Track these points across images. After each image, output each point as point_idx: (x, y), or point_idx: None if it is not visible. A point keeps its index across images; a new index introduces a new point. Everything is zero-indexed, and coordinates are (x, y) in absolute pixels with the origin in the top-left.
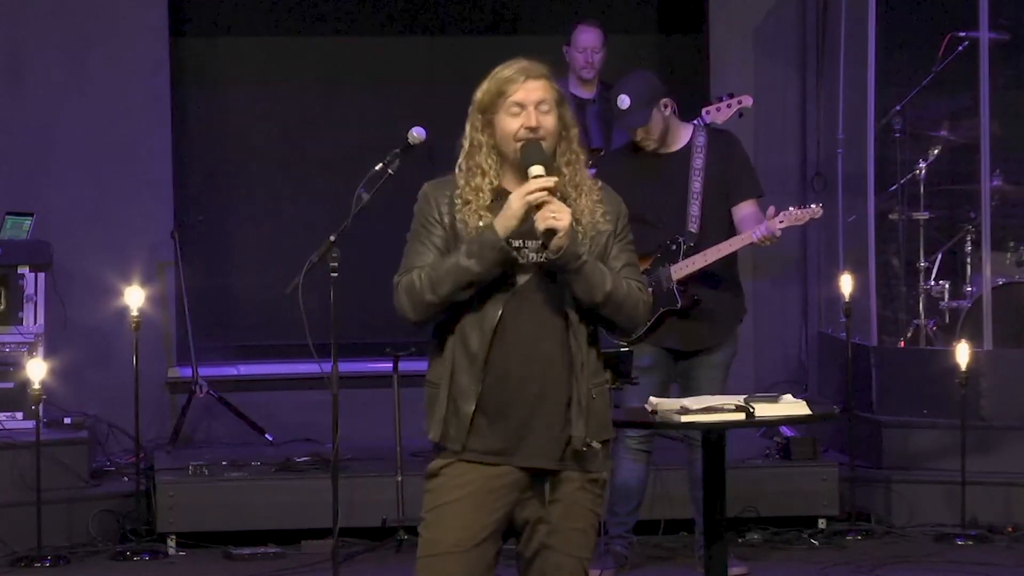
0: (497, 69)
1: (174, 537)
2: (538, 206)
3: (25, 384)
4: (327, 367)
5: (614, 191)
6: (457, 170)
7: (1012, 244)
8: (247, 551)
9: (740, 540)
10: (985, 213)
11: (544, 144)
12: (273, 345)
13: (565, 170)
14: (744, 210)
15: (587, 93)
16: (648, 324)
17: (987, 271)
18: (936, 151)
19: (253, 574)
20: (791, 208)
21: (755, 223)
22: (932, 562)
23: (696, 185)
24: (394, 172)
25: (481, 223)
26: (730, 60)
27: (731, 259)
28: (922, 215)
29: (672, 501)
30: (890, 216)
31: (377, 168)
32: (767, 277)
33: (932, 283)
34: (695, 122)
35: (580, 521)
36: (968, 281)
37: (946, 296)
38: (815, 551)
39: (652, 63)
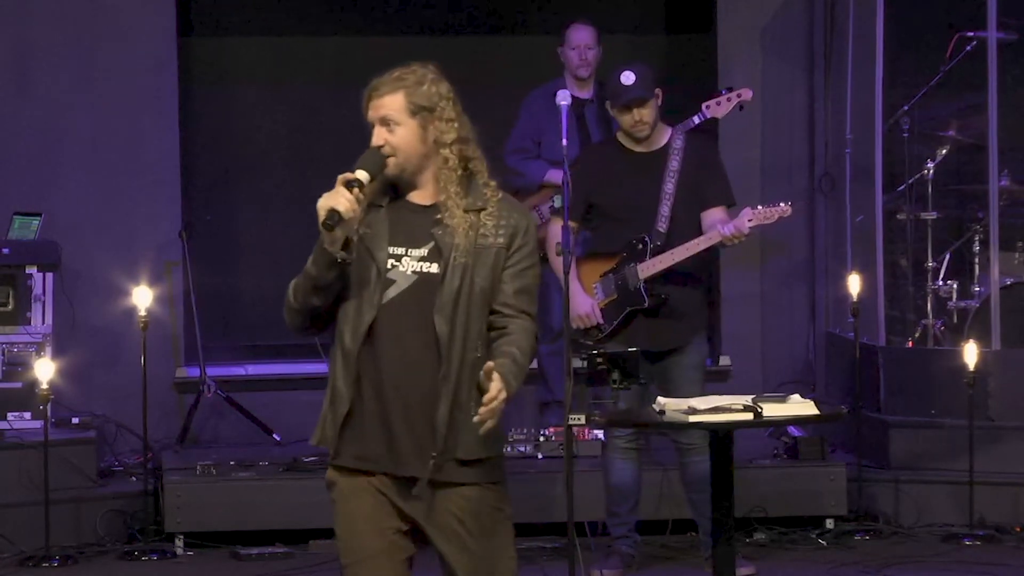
0: None
1: (182, 537)
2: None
3: (33, 384)
4: None
5: (519, 203)
6: None
7: (1020, 244)
8: (255, 551)
9: (747, 540)
10: (993, 213)
11: (397, 159)
12: (281, 345)
13: (431, 185)
14: (713, 216)
15: (584, 93)
16: (615, 323)
17: (995, 271)
18: (944, 151)
19: (261, 574)
20: (759, 207)
21: None
22: (940, 562)
23: (669, 187)
24: None
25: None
26: (738, 60)
27: (697, 260)
28: (930, 215)
29: (679, 501)
30: (898, 216)
31: None
32: (775, 277)
33: (940, 283)
34: (677, 126)
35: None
36: (976, 281)
37: (954, 296)
38: (823, 551)
39: (660, 63)
